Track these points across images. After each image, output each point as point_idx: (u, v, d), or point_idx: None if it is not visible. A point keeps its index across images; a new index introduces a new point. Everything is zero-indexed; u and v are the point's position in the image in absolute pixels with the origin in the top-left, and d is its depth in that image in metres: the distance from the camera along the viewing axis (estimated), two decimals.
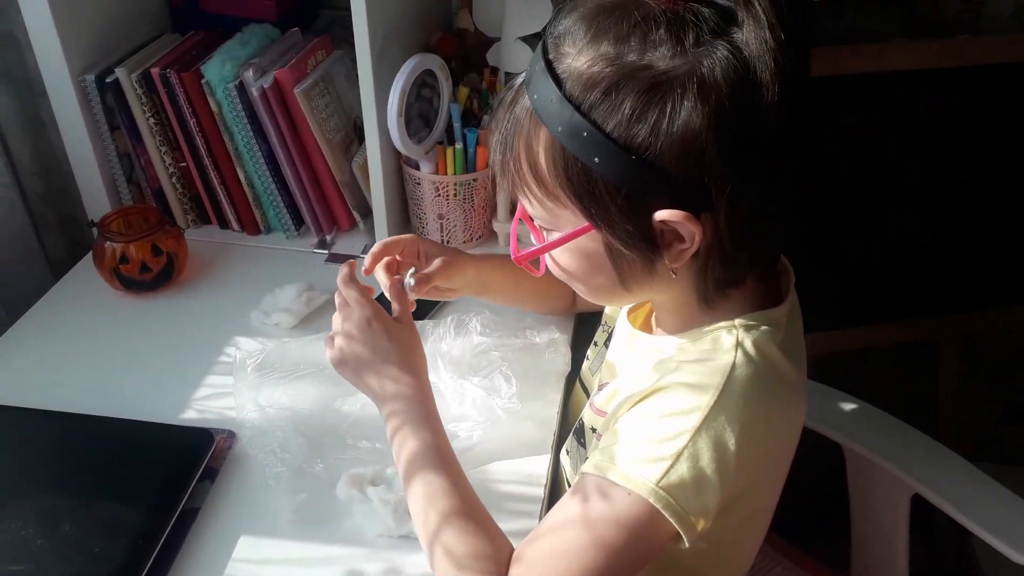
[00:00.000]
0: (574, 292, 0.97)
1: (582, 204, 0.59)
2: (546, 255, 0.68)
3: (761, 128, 0.55)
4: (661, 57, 0.54)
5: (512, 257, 0.69)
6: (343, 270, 0.79)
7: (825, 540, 1.22)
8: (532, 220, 0.67)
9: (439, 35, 1.15)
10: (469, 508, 0.68)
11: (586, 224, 0.61)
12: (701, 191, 0.56)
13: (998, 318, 1.32)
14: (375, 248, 0.83)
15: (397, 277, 0.82)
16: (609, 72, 0.55)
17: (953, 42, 1.17)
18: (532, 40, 1.08)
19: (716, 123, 0.53)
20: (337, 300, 0.79)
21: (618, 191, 0.57)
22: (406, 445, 0.71)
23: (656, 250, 0.60)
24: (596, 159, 0.56)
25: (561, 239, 0.63)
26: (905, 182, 1.21)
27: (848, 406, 1.05)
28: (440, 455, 0.70)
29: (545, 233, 0.66)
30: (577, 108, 0.56)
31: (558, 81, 0.57)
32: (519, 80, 0.62)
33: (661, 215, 0.57)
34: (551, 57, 0.58)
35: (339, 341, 0.76)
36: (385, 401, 0.74)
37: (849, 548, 1.09)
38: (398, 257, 0.84)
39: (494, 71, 1.13)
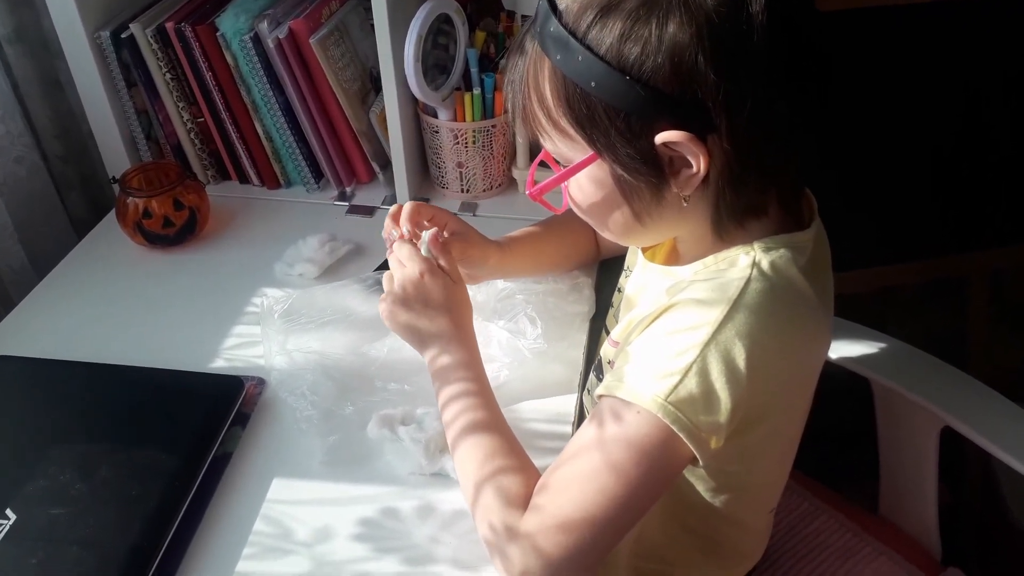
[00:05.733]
0: (595, 244, 0.97)
1: (584, 131, 0.60)
2: (566, 192, 0.68)
3: (753, 41, 0.55)
4: None
5: (527, 193, 0.70)
6: (393, 230, 0.81)
7: (852, 481, 1.22)
8: (555, 162, 0.68)
9: None
10: (512, 460, 0.69)
11: (591, 153, 0.61)
12: (698, 109, 0.56)
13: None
14: (408, 209, 0.81)
15: (434, 232, 0.80)
16: None
17: None
18: None
19: (704, 35, 0.54)
20: (390, 257, 0.80)
21: (617, 114, 0.58)
22: (457, 409, 0.72)
23: (662, 176, 0.60)
24: (593, 83, 0.57)
25: (568, 171, 0.64)
26: (932, 117, 1.18)
27: (876, 342, 1.04)
28: (485, 419, 0.72)
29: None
30: (572, 34, 0.57)
31: (556, 11, 0.58)
32: (529, 22, 0.64)
33: (662, 137, 0.58)
34: None
35: (390, 298, 0.77)
36: (433, 361, 0.75)
37: (876, 490, 1.09)
38: (425, 223, 0.83)
39: (510, 15, 1.12)
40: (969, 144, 1.22)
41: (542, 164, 0.71)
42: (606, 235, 0.70)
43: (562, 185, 0.67)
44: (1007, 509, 1.30)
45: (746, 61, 0.55)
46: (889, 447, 1.06)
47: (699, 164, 0.58)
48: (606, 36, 0.56)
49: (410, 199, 1.12)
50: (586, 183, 0.65)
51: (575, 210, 0.69)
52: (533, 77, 0.62)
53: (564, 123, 0.61)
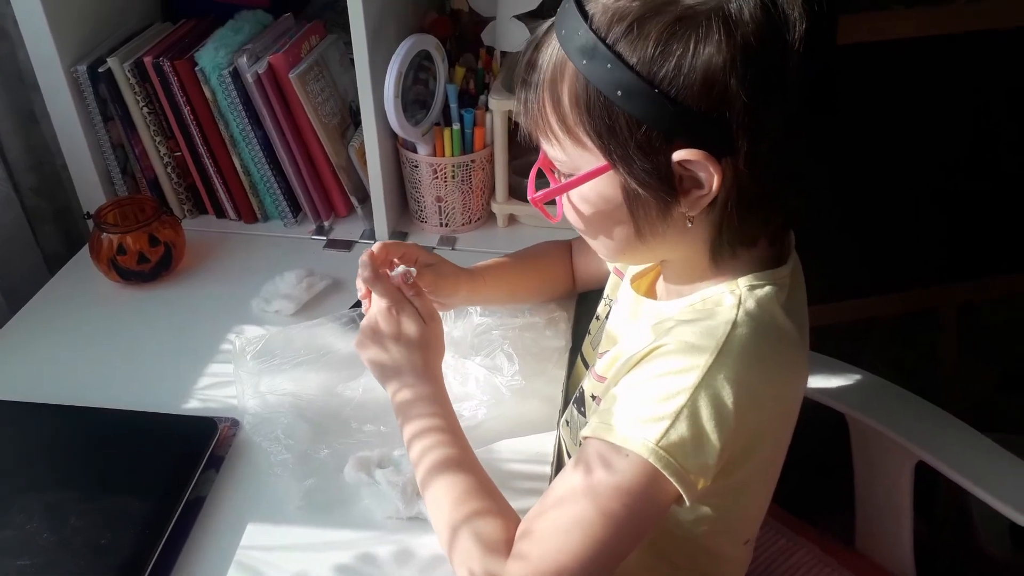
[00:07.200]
0: (572, 277, 0.98)
1: (601, 141, 0.59)
2: (564, 202, 0.67)
3: (787, 69, 0.55)
4: None
5: (529, 199, 0.69)
6: (366, 269, 0.79)
7: (827, 512, 1.23)
8: (552, 172, 0.67)
9: (432, 17, 1.15)
10: (488, 501, 0.69)
11: (604, 164, 0.60)
12: (723, 130, 0.56)
13: (994, 286, 1.32)
14: (375, 249, 0.81)
15: (404, 272, 0.80)
16: (636, 6, 0.55)
17: (952, 9, 1.16)
18: (527, 18, 1.07)
19: (741, 60, 0.54)
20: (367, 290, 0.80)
21: (639, 126, 0.57)
22: (425, 446, 0.72)
23: (673, 193, 0.59)
24: (619, 93, 0.56)
25: (578, 179, 0.62)
26: (901, 152, 1.20)
27: (851, 376, 1.05)
28: (454, 456, 0.71)
29: (564, 179, 0.65)
30: (603, 40, 0.56)
31: (585, 15, 0.57)
32: (547, 22, 0.63)
33: (680, 155, 0.57)
34: None
35: (362, 330, 0.78)
36: (395, 395, 0.75)
37: (851, 520, 1.10)
38: (396, 261, 0.82)
39: (489, 51, 1.13)
40: (936, 180, 1.24)
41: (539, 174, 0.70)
42: (599, 250, 0.70)
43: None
44: (981, 541, 1.31)
45: (778, 88, 0.55)
46: (864, 481, 1.06)
47: (711, 185, 0.58)
48: (639, 47, 0.55)
49: (388, 233, 1.12)
50: (592, 194, 0.64)
51: (571, 220, 0.68)
52: (551, 80, 0.61)
53: (580, 131, 0.60)
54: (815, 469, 1.22)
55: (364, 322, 0.78)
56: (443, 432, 0.72)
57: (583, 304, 1.00)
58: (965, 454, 0.94)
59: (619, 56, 0.55)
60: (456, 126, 1.07)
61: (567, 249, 0.98)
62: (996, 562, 1.31)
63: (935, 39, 1.14)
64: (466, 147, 1.09)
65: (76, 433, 0.81)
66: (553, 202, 0.68)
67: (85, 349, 0.95)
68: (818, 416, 1.02)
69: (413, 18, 1.13)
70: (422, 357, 0.76)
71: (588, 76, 0.57)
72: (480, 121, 1.08)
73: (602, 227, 0.66)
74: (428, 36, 1.03)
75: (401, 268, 0.79)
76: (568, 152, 0.62)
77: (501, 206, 1.14)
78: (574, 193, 0.65)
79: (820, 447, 1.13)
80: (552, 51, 0.60)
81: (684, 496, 0.60)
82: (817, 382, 1.04)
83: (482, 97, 1.09)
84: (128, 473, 0.77)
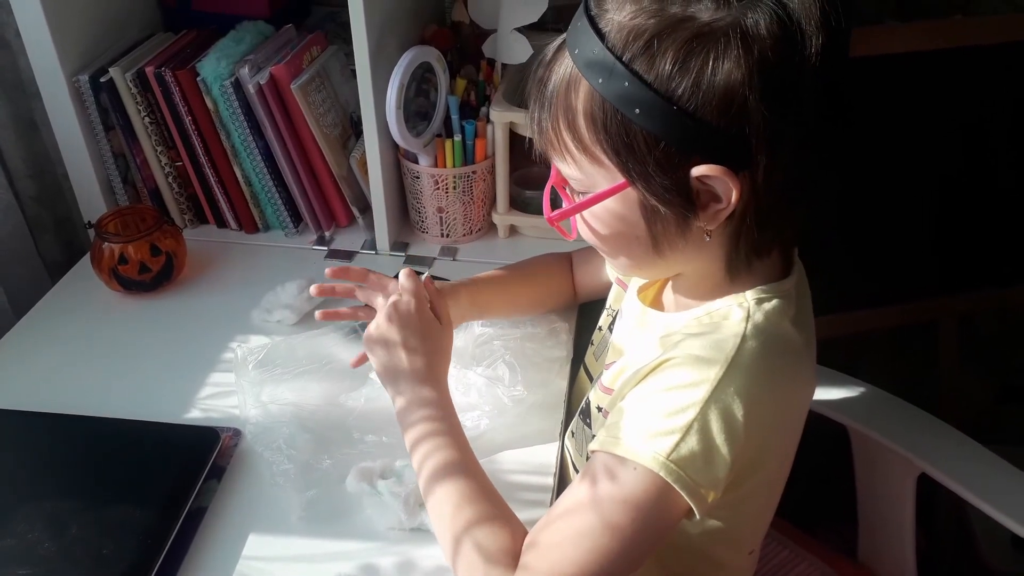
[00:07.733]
0: (573, 287, 0.98)
1: (619, 158, 0.59)
2: (579, 220, 0.67)
3: (804, 83, 0.55)
4: (704, 9, 0.55)
5: (545, 218, 0.68)
6: (405, 271, 0.81)
7: (829, 524, 1.22)
8: (564, 188, 0.67)
9: (433, 29, 1.15)
10: (490, 507, 0.68)
11: (622, 181, 0.60)
12: (741, 145, 0.56)
13: (993, 298, 1.32)
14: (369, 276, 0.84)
15: (427, 276, 0.82)
16: (652, 23, 0.55)
17: (946, 23, 1.17)
18: (529, 31, 1.08)
19: (759, 74, 0.54)
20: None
21: (657, 143, 0.57)
22: (427, 450, 0.71)
23: (691, 208, 0.59)
24: (637, 110, 0.56)
25: (596, 196, 0.62)
26: (898, 165, 1.21)
27: (853, 388, 1.05)
28: (454, 459, 0.71)
29: (578, 197, 0.65)
30: (619, 59, 0.55)
31: (600, 34, 0.57)
32: (557, 40, 0.62)
33: (699, 170, 0.57)
34: (593, 13, 0.58)
35: (375, 325, 0.78)
36: (398, 396, 0.75)
37: (852, 532, 1.10)
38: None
39: (490, 62, 1.13)
40: (933, 192, 1.25)
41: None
42: (616, 266, 0.70)
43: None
44: (982, 553, 1.31)
45: (795, 102, 0.55)
46: (867, 493, 1.06)
47: (730, 198, 0.58)
48: (657, 64, 0.55)
49: (389, 243, 1.12)
50: (608, 211, 0.63)
51: (587, 237, 0.68)
52: (564, 98, 0.60)
53: (596, 149, 0.60)
54: (818, 481, 1.22)
55: (375, 322, 0.78)
56: (442, 435, 0.72)
57: (584, 315, 1.00)
58: (967, 466, 0.94)
59: (636, 74, 0.55)
60: (457, 137, 1.07)
61: (567, 261, 0.98)
62: (998, 574, 1.30)
63: (931, 53, 1.14)
64: (467, 158, 1.09)
65: (77, 442, 0.81)
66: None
67: (86, 358, 0.95)
68: (820, 428, 1.02)
69: (414, 30, 1.13)
70: (429, 361, 0.76)
71: (605, 94, 0.57)
72: (481, 132, 1.08)
73: (620, 243, 0.66)
74: (429, 48, 1.03)
75: (426, 274, 0.82)
76: (584, 170, 0.62)
77: (502, 217, 1.14)
78: (591, 210, 0.64)
79: (822, 459, 1.13)
80: (564, 69, 0.60)
81: (695, 510, 0.60)
82: (819, 394, 1.03)
83: (483, 109, 1.09)
84: (130, 483, 0.76)
